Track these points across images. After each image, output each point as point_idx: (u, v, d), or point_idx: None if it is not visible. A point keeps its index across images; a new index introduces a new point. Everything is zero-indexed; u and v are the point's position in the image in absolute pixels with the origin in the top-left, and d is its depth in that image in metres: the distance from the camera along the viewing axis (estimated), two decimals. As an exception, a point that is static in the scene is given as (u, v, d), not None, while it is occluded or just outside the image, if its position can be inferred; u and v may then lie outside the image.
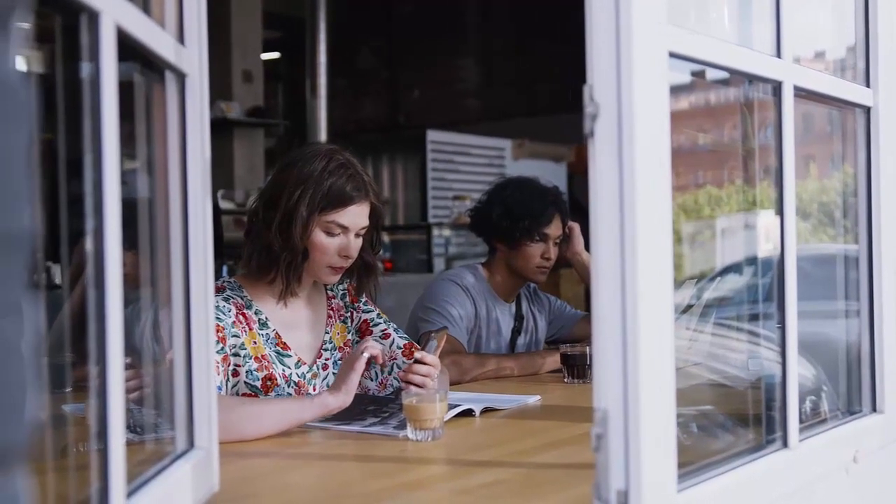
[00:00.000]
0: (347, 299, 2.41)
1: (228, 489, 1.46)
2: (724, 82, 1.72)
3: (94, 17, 0.98)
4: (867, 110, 1.82)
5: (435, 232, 7.55)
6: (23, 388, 0.57)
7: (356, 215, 2.21)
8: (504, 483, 1.57)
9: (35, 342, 0.60)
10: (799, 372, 1.57)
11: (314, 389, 2.26)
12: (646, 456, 1.16)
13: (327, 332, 2.34)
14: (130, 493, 1.09)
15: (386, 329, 2.39)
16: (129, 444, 1.06)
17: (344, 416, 2.01)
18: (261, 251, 2.20)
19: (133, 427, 1.30)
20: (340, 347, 2.36)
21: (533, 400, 2.35)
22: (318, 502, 1.56)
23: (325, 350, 2.33)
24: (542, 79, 9.35)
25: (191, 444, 1.38)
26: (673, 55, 1.25)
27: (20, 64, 0.59)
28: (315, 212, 2.16)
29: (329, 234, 2.19)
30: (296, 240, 2.16)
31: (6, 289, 0.54)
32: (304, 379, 2.25)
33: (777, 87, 1.52)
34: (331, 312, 2.37)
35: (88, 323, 1.02)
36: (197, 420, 1.38)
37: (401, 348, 2.35)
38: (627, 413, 1.17)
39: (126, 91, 1.08)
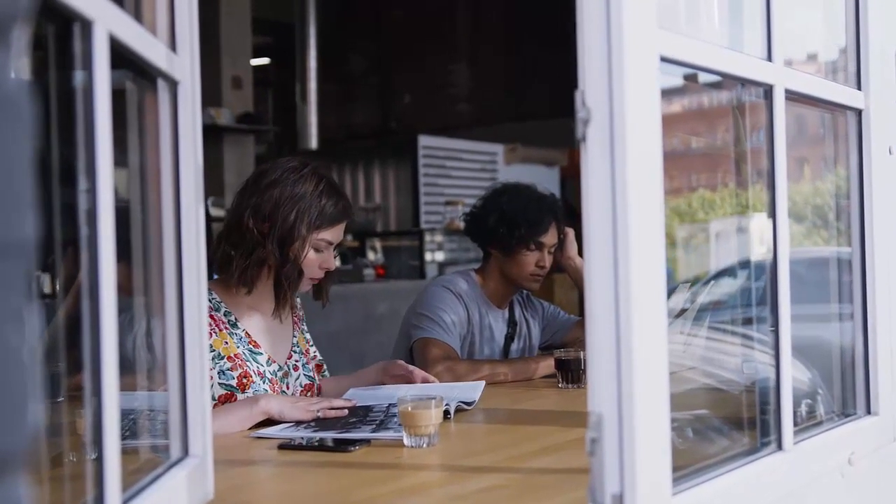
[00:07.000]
0: (301, 313, 2.53)
1: (222, 497, 1.45)
2: (716, 85, 1.72)
3: (87, 25, 0.98)
4: (858, 113, 1.83)
5: (427, 238, 7.53)
6: (24, 395, 0.57)
7: (341, 232, 2.35)
8: (500, 488, 1.56)
9: (36, 349, 0.60)
10: (794, 376, 1.57)
11: (287, 388, 2.35)
12: (640, 459, 1.16)
13: (294, 336, 2.45)
14: (125, 502, 1.09)
15: (315, 351, 2.54)
16: (123, 451, 1.06)
17: (342, 426, 2.00)
18: (254, 265, 2.25)
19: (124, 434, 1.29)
20: (304, 352, 2.46)
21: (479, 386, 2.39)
22: (313, 509, 1.56)
23: (295, 352, 2.42)
24: (534, 83, 9.36)
25: (185, 452, 1.37)
26: (664, 59, 1.25)
27: (20, 73, 0.59)
28: (312, 231, 2.26)
29: (317, 250, 2.30)
30: (294, 257, 2.25)
31: (8, 296, 0.55)
32: (276, 377, 2.33)
33: (769, 91, 1.53)
34: (296, 319, 2.48)
35: (81, 332, 1.02)
36: (191, 428, 1.38)
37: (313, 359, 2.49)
38: (622, 417, 1.17)
39: (117, 98, 1.08)
